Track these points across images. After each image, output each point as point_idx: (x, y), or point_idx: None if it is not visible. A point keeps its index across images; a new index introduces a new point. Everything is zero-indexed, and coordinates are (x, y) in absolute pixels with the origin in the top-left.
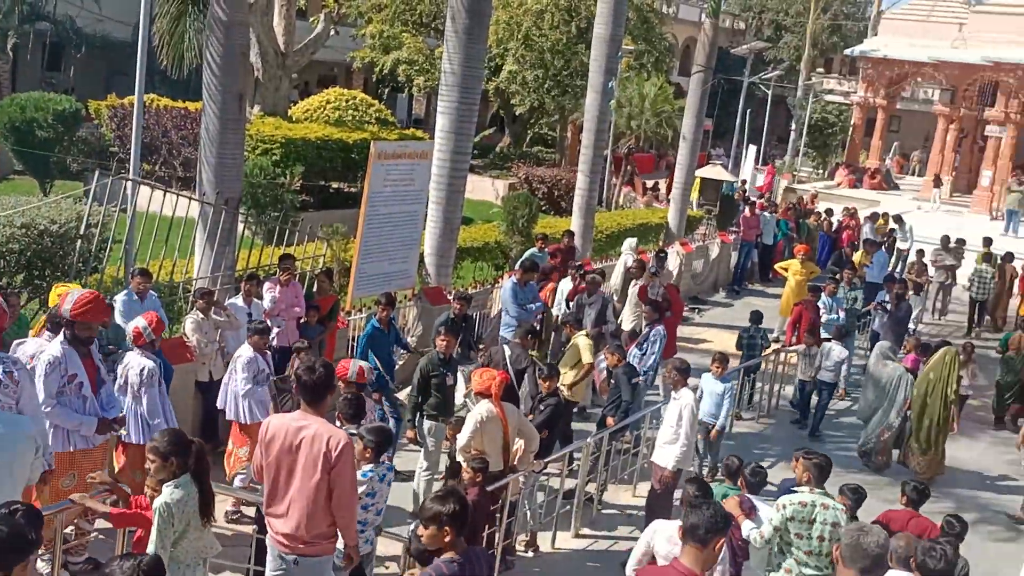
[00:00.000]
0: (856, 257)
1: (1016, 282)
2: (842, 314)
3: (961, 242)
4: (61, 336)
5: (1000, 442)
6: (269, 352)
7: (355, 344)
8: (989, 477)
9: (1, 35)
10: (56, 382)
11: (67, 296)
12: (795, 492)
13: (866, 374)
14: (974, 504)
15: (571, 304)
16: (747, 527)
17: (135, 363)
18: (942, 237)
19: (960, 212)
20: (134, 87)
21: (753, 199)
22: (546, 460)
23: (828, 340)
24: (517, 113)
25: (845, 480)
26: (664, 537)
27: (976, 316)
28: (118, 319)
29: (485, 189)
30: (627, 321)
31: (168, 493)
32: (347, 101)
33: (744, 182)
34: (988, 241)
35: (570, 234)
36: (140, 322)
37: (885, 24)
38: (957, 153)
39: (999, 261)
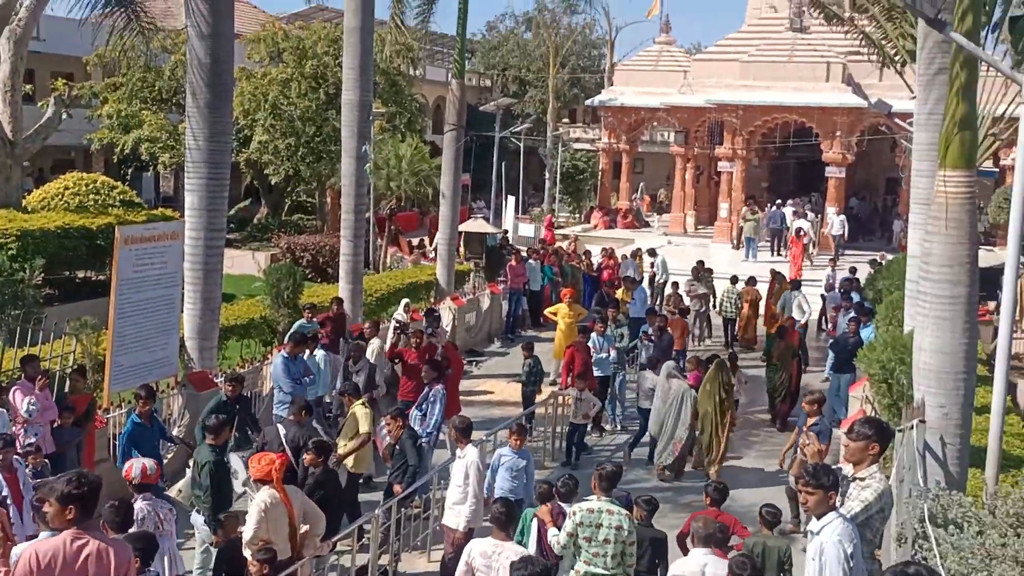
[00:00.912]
0: (619, 294)
1: (760, 303)
2: (613, 352)
3: (709, 271)
4: None
5: (776, 445)
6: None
7: (115, 443)
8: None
9: None
10: None
11: None
12: (585, 500)
13: (656, 393)
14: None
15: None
16: (552, 532)
17: None
18: (693, 266)
19: (705, 243)
20: None
21: (518, 248)
22: (334, 539)
23: (603, 378)
24: (272, 183)
25: (642, 491)
26: (478, 552)
27: (729, 335)
28: None
29: (246, 263)
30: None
31: None
32: (87, 185)
33: (506, 232)
34: (734, 278)
35: (339, 301)
36: None
37: (619, 75)
38: (695, 188)
39: (743, 284)
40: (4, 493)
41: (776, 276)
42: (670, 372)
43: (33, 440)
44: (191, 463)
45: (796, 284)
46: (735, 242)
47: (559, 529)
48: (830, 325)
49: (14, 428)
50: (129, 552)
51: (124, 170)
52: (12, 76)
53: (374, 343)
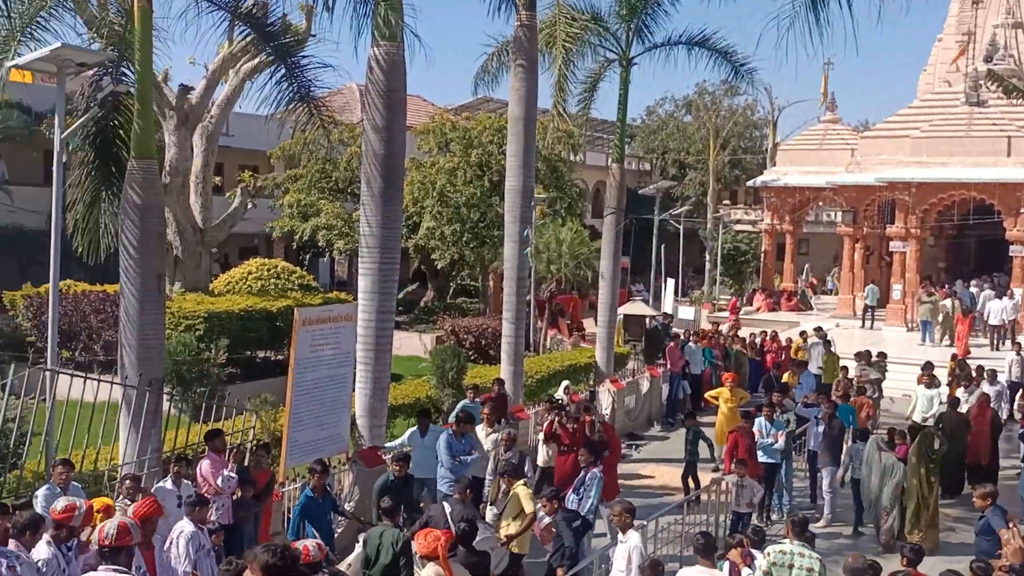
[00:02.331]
0: (786, 378)
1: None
2: (781, 439)
3: (882, 355)
4: None
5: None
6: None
7: (288, 516)
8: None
9: None
10: None
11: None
12: (778, 543)
13: (865, 465)
14: None
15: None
16: (745, 573)
17: None
18: (861, 353)
19: (878, 327)
20: (49, 275)
21: (678, 332)
22: None
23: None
24: (438, 267)
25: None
26: None
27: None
28: (37, 508)
29: (413, 344)
30: (541, 458)
31: None
32: (269, 270)
33: (667, 315)
34: (929, 365)
35: (500, 382)
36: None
37: (782, 154)
38: (865, 269)
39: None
40: (205, 545)
41: (958, 362)
42: (879, 444)
43: (220, 509)
44: (360, 539)
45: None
46: (910, 325)
47: (751, 569)
48: (1020, 414)
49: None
50: None
51: (302, 255)
52: (204, 169)
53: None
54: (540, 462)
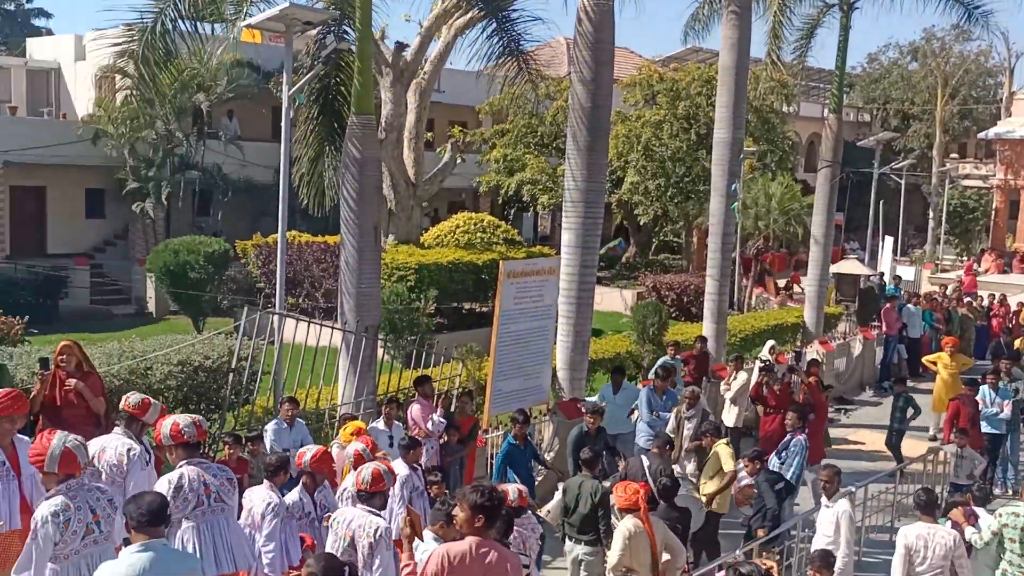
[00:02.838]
0: (1018, 344)
1: None
2: (1007, 408)
3: None
4: None
5: None
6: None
7: (492, 463)
8: None
9: (156, 186)
10: None
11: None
12: (1011, 505)
13: None
14: None
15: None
16: (969, 532)
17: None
18: None
19: None
20: (277, 226)
21: (897, 292)
22: (696, 574)
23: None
24: (641, 223)
25: None
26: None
27: None
28: (267, 446)
29: (613, 300)
30: (731, 418)
31: None
32: (475, 224)
33: (882, 274)
34: None
35: (702, 339)
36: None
37: (1019, 105)
38: None
39: None
40: (419, 486)
41: None
42: None
43: (429, 453)
44: (560, 487)
45: None
46: None
47: (975, 529)
48: None
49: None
50: (519, 562)
51: (507, 210)
52: (416, 124)
53: (740, 376)
54: (730, 422)
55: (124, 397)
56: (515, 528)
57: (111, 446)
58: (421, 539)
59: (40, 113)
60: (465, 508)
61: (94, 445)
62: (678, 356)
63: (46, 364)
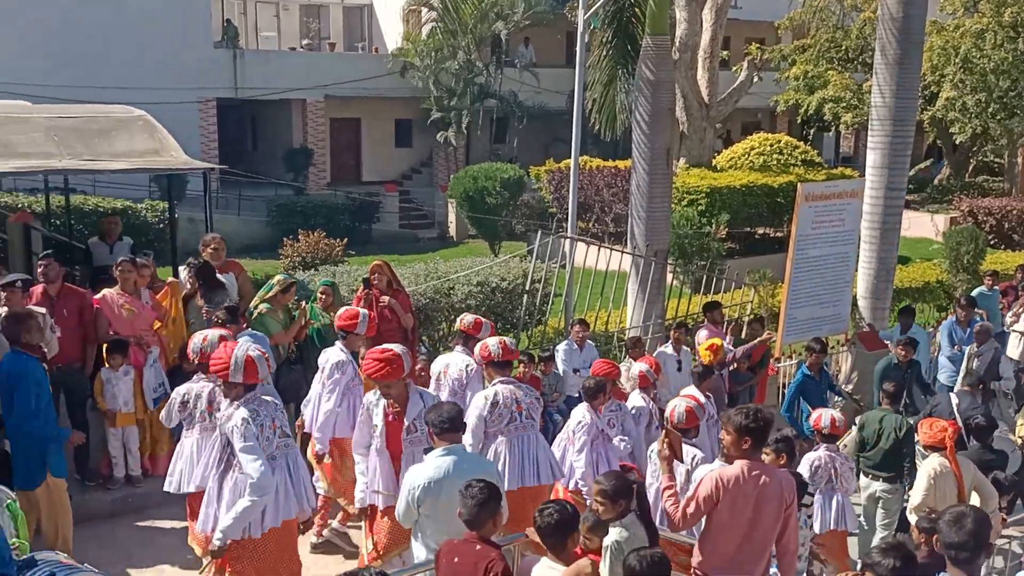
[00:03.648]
0: None
1: None
2: None
3: None
4: None
5: None
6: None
7: (783, 392)
8: None
9: (457, 115)
10: None
11: None
12: None
13: None
14: None
15: None
16: None
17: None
18: None
19: None
20: (569, 151)
21: None
22: (1010, 519)
23: None
24: (957, 142)
25: None
26: None
27: None
28: (559, 366)
29: (923, 225)
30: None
31: (617, 532)
32: (771, 145)
33: None
34: None
35: None
36: (643, 367)
37: None
38: None
39: None
40: (712, 413)
41: None
42: None
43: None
44: (857, 421)
45: None
46: None
47: None
48: None
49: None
50: (793, 484)
51: (806, 130)
52: (711, 43)
53: None
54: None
55: (460, 318)
56: (828, 455)
57: (454, 363)
58: (680, 460)
59: (355, 48)
60: (731, 431)
61: (438, 363)
62: (996, 287)
63: (368, 284)
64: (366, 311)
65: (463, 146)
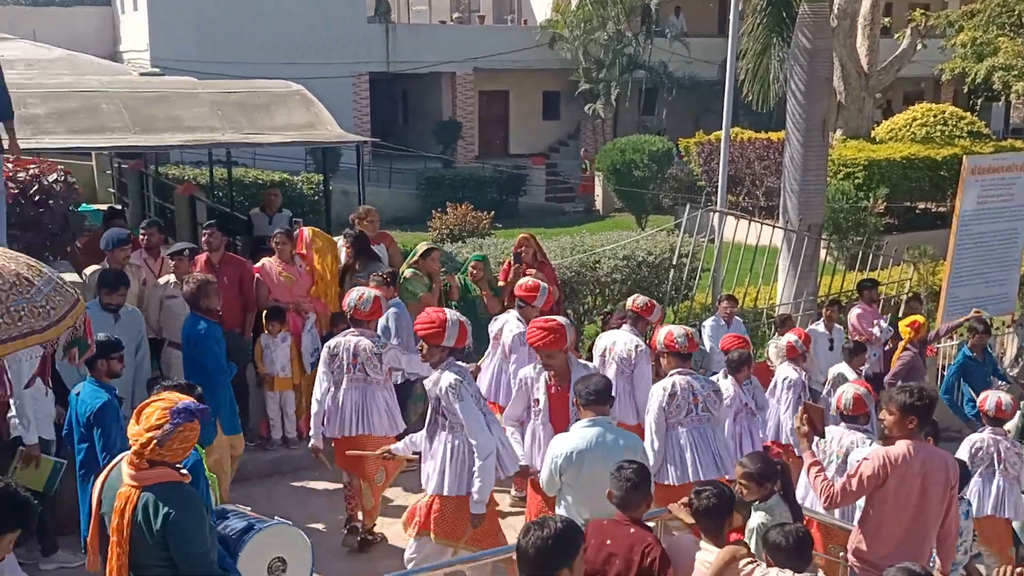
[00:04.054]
0: None
1: None
2: None
3: None
4: None
5: None
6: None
7: (942, 373)
8: None
9: (605, 86)
10: None
11: None
12: None
13: None
14: None
15: None
16: None
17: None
18: None
19: None
20: (720, 123)
21: None
22: None
23: None
24: None
25: None
26: None
27: None
28: (706, 343)
29: None
30: None
31: (761, 515)
32: (935, 116)
33: None
34: None
35: None
36: (791, 337)
37: None
38: None
39: None
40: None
41: None
42: None
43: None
44: (1022, 407)
45: None
46: None
47: None
48: None
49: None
50: (956, 464)
51: (973, 100)
52: (872, 10)
53: None
54: None
55: (632, 299)
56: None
57: (621, 340)
58: (822, 436)
59: (504, 21)
60: (894, 410)
61: (604, 339)
62: None
63: (518, 258)
64: (546, 284)
65: (611, 118)
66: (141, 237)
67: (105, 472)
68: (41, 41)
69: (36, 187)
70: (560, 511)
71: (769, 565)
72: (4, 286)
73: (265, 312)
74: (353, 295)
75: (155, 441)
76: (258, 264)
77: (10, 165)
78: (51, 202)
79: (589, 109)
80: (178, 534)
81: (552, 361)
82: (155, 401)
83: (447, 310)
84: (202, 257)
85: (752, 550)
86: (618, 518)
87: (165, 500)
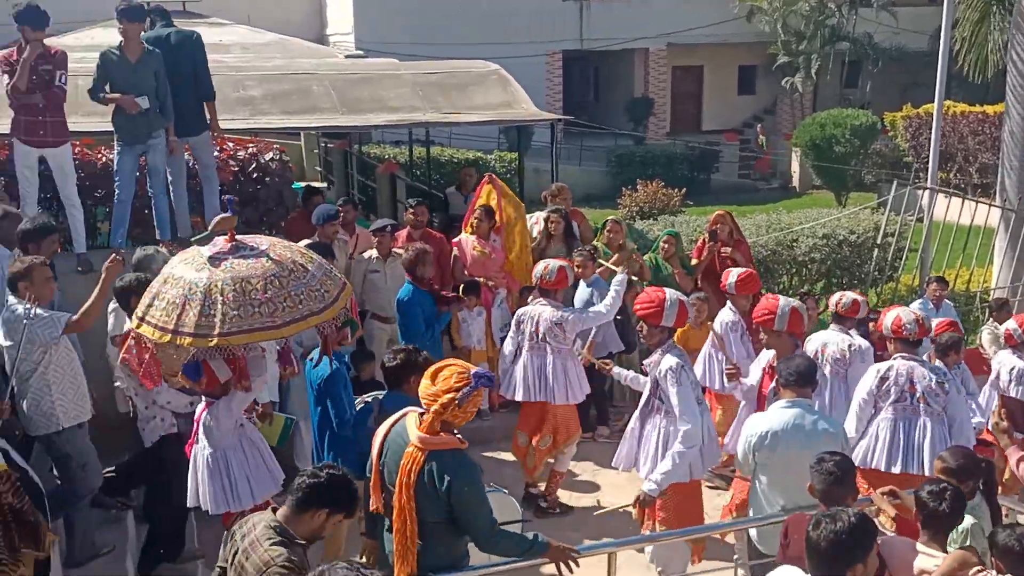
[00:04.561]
0: None
1: None
2: None
3: None
4: None
5: None
6: None
7: None
8: None
9: (805, 59)
10: None
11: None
12: None
13: None
14: None
15: None
16: None
17: (1007, 362)
18: None
19: None
20: (930, 96)
21: None
22: None
23: None
24: None
25: None
26: None
27: None
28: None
29: None
30: None
31: (967, 520)
32: None
33: None
34: None
35: None
36: (1011, 324)
37: None
38: None
39: None
40: None
41: None
42: None
43: None
44: None
45: None
46: None
47: None
48: None
49: None
50: None
51: None
52: None
53: None
54: None
55: (836, 298)
56: None
57: (833, 341)
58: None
59: None
60: None
61: (815, 340)
62: None
63: (713, 236)
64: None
65: (810, 92)
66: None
67: (388, 424)
68: (255, 26)
69: (254, 165)
70: (755, 495)
71: (1000, 572)
72: (284, 273)
73: (462, 286)
74: (539, 266)
75: (456, 401)
76: (456, 239)
77: (231, 144)
78: (267, 179)
79: (787, 83)
80: (461, 500)
81: (774, 341)
82: (449, 365)
83: (667, 290)
84: (403, 233)
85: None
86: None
87: (448, 468)
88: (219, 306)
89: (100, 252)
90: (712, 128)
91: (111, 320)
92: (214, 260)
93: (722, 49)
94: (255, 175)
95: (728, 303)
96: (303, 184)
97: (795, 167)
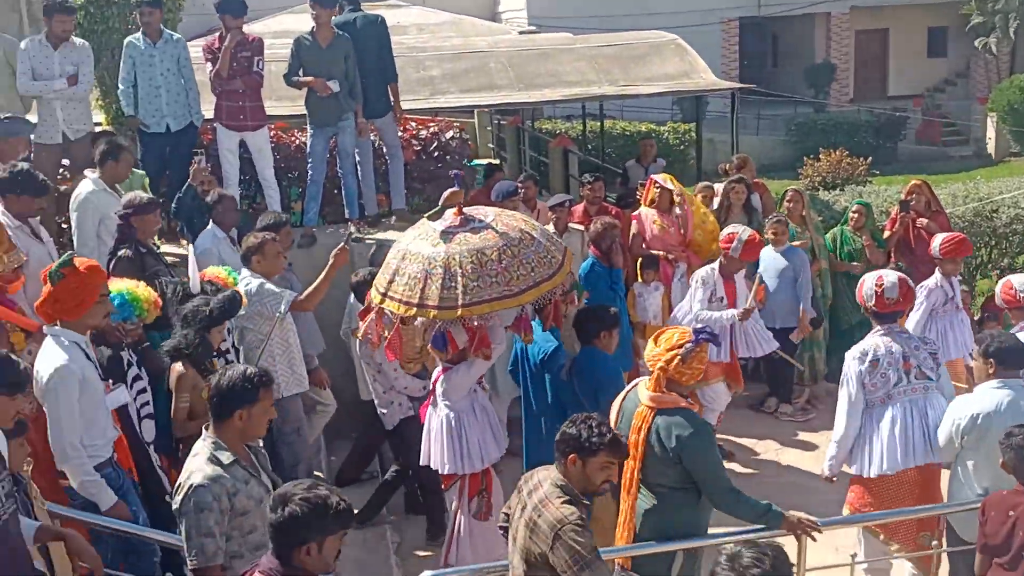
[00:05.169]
0: None
1: None
2: None
3: None
4: None
5: None
6: None
7: None
8: None
9: (1002, 19)
10: None
11: None
12: None
13: None
14: None
15: None
16: None
17: None
18: None
19: None
20: None
21: None
22: None
23: None
24: None
25: None
26: None
27: None
28: None
29: None
30: None
31: None
32: None
33: None
34: None
35: None
36: None
37: None
38: None
39: None
40: None
41: None
42: None
43: None
44: None
45: None
46: None
47: None
48: None
49: None
50: None
51: None
52: None
53: None
54: None
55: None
56: None
57: None
58: None
59: None
60: None
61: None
62: None
63: (905, 206)
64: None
65: (1007, 53)
66: (519, 190)
67: (623, 394)
68: (429, 6)
69: (435, 144)
70: (955, 479)
71: None
72: (514, 242)
73: (640, 260)
74: (725, 236)
75: (679, 357)
76: (635, 213)
77: (413, 123)
78: (448, 157)
79: (981, 44)
80: (693, 457)
81: None
82: (672, 327)
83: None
84: (579, 208)
85: None
86: (1018, 489)
87: (677, 425)
88: (459, 278)
89: (295, 230)
90: (898, 93)
91: (347, 316)
92: (447, 234)
93: (910, 10)
94: (436, 154)
95: (937, 270)
96: (483, 162)
97: (990, 133)
